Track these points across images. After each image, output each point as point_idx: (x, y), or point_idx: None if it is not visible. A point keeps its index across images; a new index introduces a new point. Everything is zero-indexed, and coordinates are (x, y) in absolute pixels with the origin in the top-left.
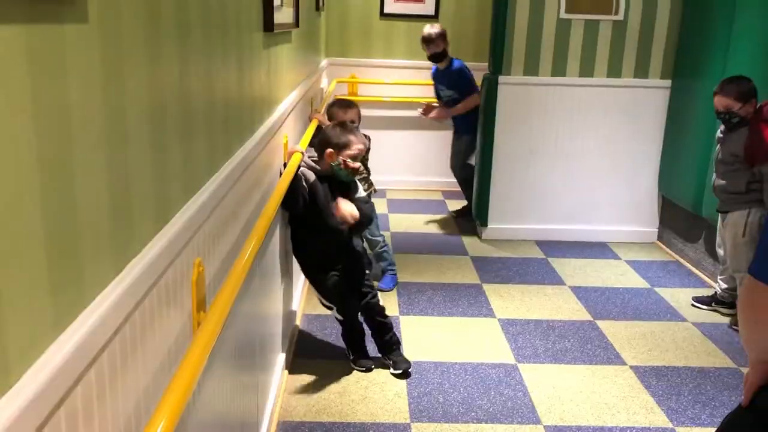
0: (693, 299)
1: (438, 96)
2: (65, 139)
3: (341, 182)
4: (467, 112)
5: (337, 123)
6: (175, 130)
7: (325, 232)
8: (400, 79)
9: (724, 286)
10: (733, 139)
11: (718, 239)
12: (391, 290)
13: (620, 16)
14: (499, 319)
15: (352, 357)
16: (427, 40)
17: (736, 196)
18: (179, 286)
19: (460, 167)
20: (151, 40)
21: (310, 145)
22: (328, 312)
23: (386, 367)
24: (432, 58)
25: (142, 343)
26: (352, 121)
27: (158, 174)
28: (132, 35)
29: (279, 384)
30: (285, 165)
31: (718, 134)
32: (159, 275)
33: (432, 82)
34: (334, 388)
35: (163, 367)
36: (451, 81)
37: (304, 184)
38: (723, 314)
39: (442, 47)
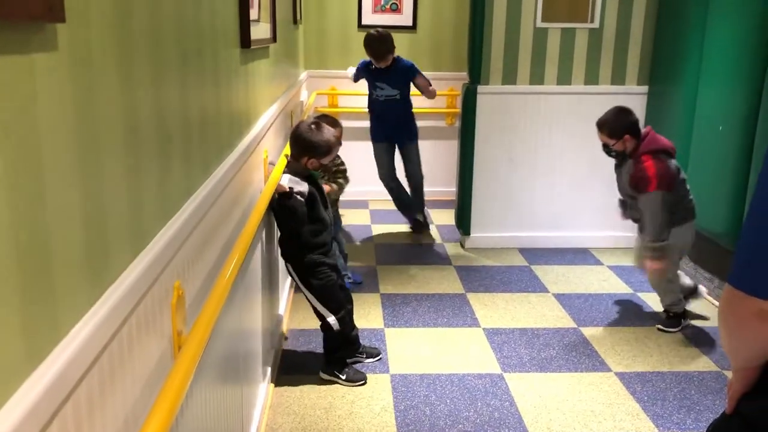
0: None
1: (371, 94)
2: (36, 169)
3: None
4: (412, 119)
5: (314, 124)
6: (151, 153)
7: (322, 227)
8: None
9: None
10: (623, 173)
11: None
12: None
13: (596, 24)
14: (484, 329)
15: (344, 376)
16: (376, 55)
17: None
18: (158, 311)
19: (419, 173)
20: (123, 63)
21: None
22: (314, 326)
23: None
24: (379, 69)
25: (120, 372)
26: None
27: (134, 199)
28: (104, 59)
29: (264, 401)
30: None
31: (615, 168)
32: (137, 302)
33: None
34: (320, 404)
35: (144, 395)
36: (398, 79)
37: (302, 200)
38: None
39: (391, 58)
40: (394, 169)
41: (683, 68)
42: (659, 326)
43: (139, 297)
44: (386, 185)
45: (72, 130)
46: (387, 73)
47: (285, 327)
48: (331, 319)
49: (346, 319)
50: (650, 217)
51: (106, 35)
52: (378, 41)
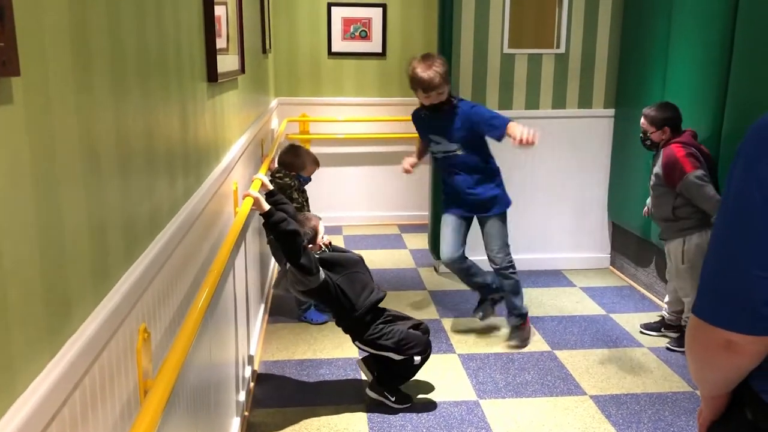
0: (641, 326)
1: (426, 148)
2: None
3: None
4: (491, 180)
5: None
6: (115, 196)
7: (361, 284)
8: (351, 116)
9: (671, 309)
10: (656, 161)
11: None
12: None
13: (562, 50)
14: (459, 355)
15: (393, 398)
16: (426, 87)
17: (669, 224)
18: (123, 356)
19: (500, 256)
20: (84, 107)
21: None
22: (287, 357)
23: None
24: (431, 108)
25: (83, 424)
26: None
27: (96, 245)
28: (63, 106)
29: None
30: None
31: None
32: (99, 350)
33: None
34: None
35: None
36: (456, 128)
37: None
38: (673, 338)
39: (446, 92)
40: (458, 245)
41: (648, 91)
42: (669, 345)
43: (101, 345)
44: (447, 266)
45: (29, 180)
46: (439, 119)
47: (258, 358)
48: (417, 359)
49: (428, 355)
50: (703, 199)
51: (66, 82)
52: (427, 76)
